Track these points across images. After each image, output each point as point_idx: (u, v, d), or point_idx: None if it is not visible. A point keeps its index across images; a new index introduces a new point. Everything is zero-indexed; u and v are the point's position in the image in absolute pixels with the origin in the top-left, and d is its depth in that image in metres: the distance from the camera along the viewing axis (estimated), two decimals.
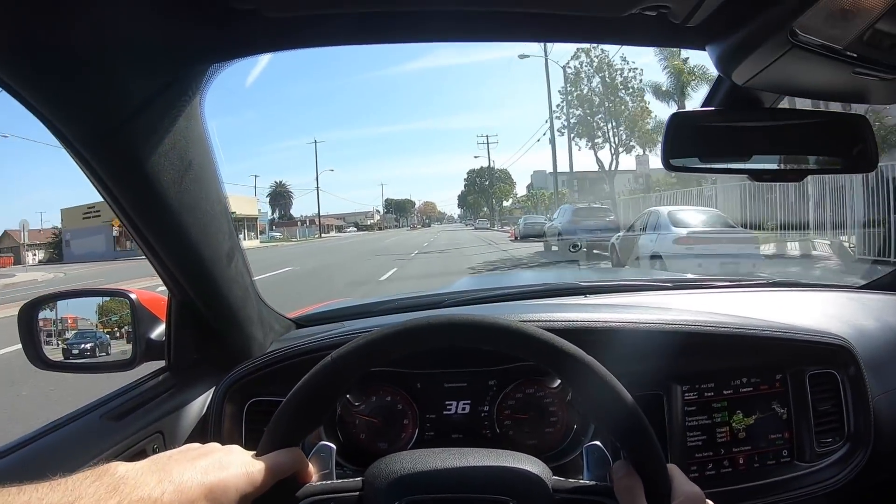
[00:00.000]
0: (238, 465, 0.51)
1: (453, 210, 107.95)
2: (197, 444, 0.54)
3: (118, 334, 1.00)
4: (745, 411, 0.94)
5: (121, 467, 0.45)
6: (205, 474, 0.48)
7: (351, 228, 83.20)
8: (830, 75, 0.68)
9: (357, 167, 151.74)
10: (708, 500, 0.53)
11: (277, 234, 54.88)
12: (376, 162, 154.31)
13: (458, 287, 1.85)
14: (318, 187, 61.41)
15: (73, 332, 1.01)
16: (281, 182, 71.22)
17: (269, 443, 0.56)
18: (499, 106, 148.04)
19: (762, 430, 0.94)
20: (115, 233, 30.83)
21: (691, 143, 0.82)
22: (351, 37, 0.73)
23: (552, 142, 25.46)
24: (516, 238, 22.54)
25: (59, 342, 1.00)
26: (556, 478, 0.59)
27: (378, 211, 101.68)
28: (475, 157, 74.86)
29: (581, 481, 0.59)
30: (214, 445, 0.54)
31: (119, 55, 0.61)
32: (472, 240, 26.32)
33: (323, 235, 59.96)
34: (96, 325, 1.01)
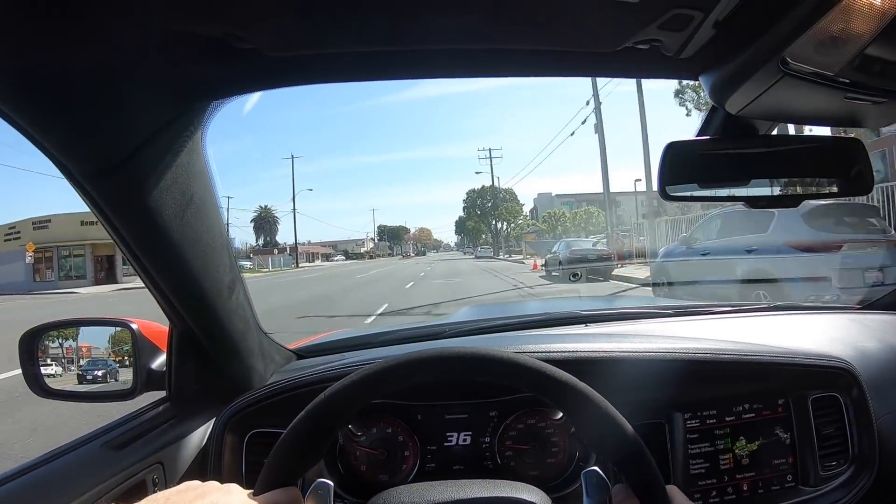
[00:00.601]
0: None
1: (450, 237, 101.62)
2: (196, 483, 0.53)
3: (128, 363, 1.00)
4: (748, 437, 0.94)
5: None
6: None
7: (339, 257, 77.11)
8: (823, 101, 0.69)
9: (354, 195, 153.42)
10: None
11: (247, 264, 47.45)
12: (373, 190, 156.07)
13: (458, 317, 1.85)
14: (294, 209, 53.40)
15: (87, 359, 1.03)
16: (266, 206, 63.86)
17: (266, 482, 0.55)
18: (496, 132, 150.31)
19: (766, 455, 0.94)
20: (28, 259, 26.02)
21: (687, 172, 0.82)
22: (349, 74, 0.75)
23: (599, 122, 18.13)
24: (548, 272, 15.73)
25: (75, 368, 1.02)
26: None
27: (372, 239, 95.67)
28: (476, 172, 59.48)
29: None
30: (212, 485, 0.53)
31: (122, 93, 0.62)
32: (479, 273, 19.94)
33: (307, 264, 54.06)
34: (109, 354, 1.02)
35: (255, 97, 0.82)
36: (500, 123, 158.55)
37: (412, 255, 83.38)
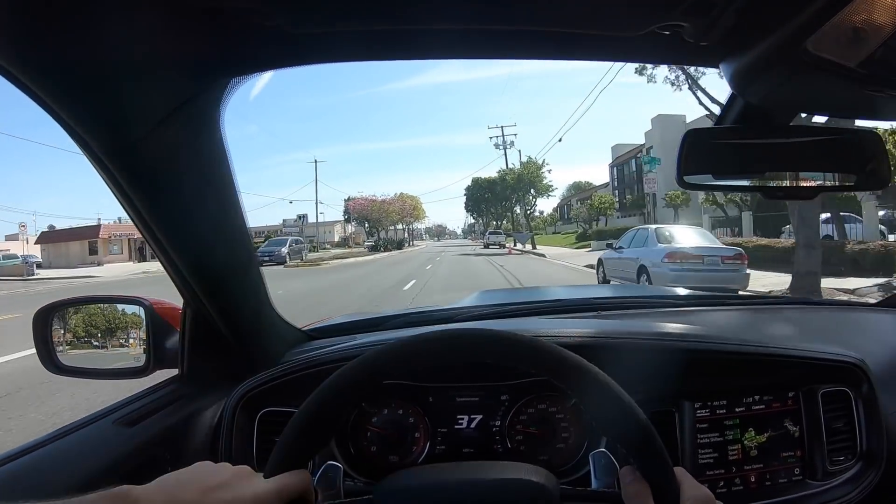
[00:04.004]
0: (246, 488, 0.52)
1: (455, 220, 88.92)
2: (207, 464, 0.54)
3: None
4: (757, 429, 0.93)
5: (133, 491, 0.46)
6: (215, 499, 0.49)
7: None
8: (843, 93, 0.69)
9: (356, 182, 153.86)
10: (718, 502, 0.53)
11: None
12: (369, 178, 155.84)
13: (470, 302, 1.85)
14: None
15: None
16: None
17: (276, 465, 0.56)
18: (501, 123, 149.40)
19: (774, 448, 0.94)
20: None
21: (705, 160, 0.82)
22: (372, 53, 0.74)
23: None
24: None
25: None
26: (564, 486, 0.60)
27: (347, 220, 63.26)
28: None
29: (588, 489, 0.59)
30: (224, 467, 0.54)
31: (145, 70, 0.62)
32: None
33: (138, 266, 28.52)
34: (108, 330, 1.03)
35: (265, 79, 0.82)
36: (506, 112, 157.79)
37: (358, 247, 41.53)
